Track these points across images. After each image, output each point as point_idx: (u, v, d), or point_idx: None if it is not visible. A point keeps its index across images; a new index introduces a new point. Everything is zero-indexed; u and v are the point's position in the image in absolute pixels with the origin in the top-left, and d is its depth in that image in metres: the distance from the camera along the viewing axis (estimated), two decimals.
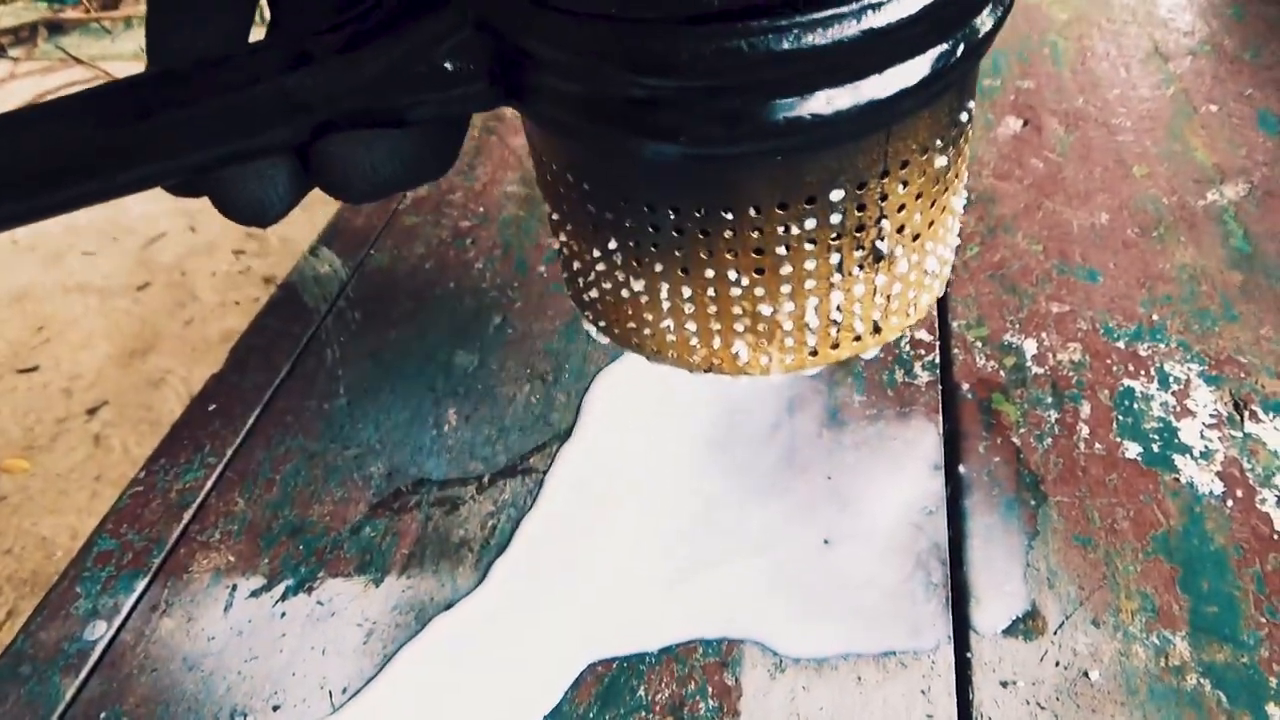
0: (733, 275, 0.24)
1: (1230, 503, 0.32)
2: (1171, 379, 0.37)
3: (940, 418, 0.36)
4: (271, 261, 1.51)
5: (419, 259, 0.46)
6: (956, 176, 0.26)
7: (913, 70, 0.21)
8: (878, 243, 0.24)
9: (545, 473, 0.35)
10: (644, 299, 0.26)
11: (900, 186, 0.23)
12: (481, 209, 0.50)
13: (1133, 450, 0.34)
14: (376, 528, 0.34)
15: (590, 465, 0.35)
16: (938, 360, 0.38)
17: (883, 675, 0.28)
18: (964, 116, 0.24)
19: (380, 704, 0.28)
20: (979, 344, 0.39)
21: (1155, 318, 0.39)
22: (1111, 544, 0.31)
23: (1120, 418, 0.35)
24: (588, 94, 0.21)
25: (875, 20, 0.19)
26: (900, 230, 0.24)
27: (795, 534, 0.32)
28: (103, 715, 0.29)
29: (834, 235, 0.23)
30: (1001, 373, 0.37)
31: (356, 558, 0.33)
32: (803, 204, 0.23)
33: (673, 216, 0.23)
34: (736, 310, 0.25)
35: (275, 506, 0.35)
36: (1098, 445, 0.34)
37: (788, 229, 0.23)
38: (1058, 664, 0.28)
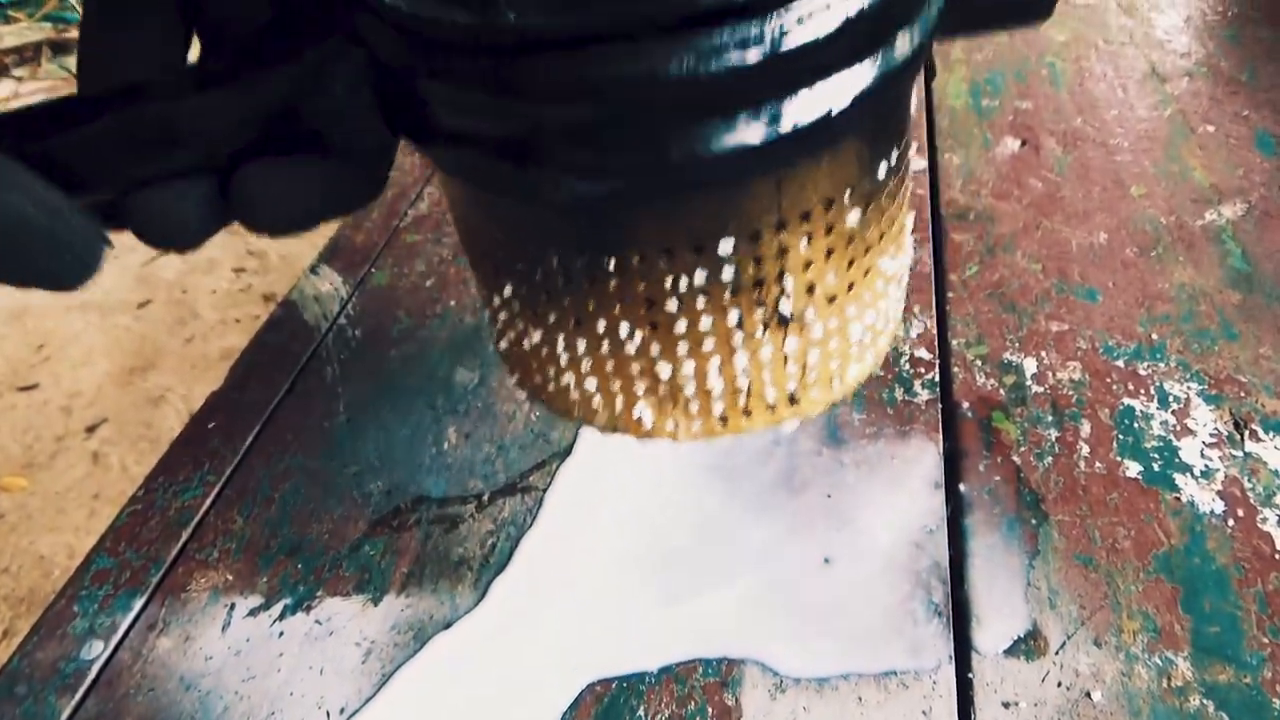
0: (624, 329, 0.23)
1: (1231, 522, 0.32)
2: (1171, 398, 0.37)
3: (940, 436, 0.36)
4: (272, 279, 1.52)
5: (420, 277, 0.47)
6: (882, 236, 0.24)
7: (793, 113, 0.19)
8: (781, 301, 0.22)
9: (545, 491, 0.35)
10: (543, 351, 0.25)
11: (804, 242, 0.22)
12: None
13: (1133, 469, 0.34)
14: (376, 546, 0.34)
15: (590, 484, 0.35)
16: (937, 379, 0.38)
17: (884, 695, 0.28)
18: (881, 170, 0.23)
19: None
20: (979, 362, 0.39)
21: (1155, 337, 0.39)
22: (1113, 563, 0.31)
23: (1120, 436, 0.35)
24: (458, 128, 0.20)
25: (745, 55, 0.18)
26: (810, 291, 0.23)
27: (795, 553, 0.32)
28: None
29: (729, 291, 0.22)
30: (1001, 391, 0.37)
31: (355, 576, 0.33)
32: (689, 253, 0.21)
33: (555, 262, 0.22)
34: (634, 369, 0.24)
35: (274, 525, 0.35)
36: (1098, 464, 0.34)
37: (676, 281, 0.22)
38: (1060, 684, 0.28)
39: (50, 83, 2.22)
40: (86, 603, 0.32)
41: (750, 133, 0.19)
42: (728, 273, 0.22)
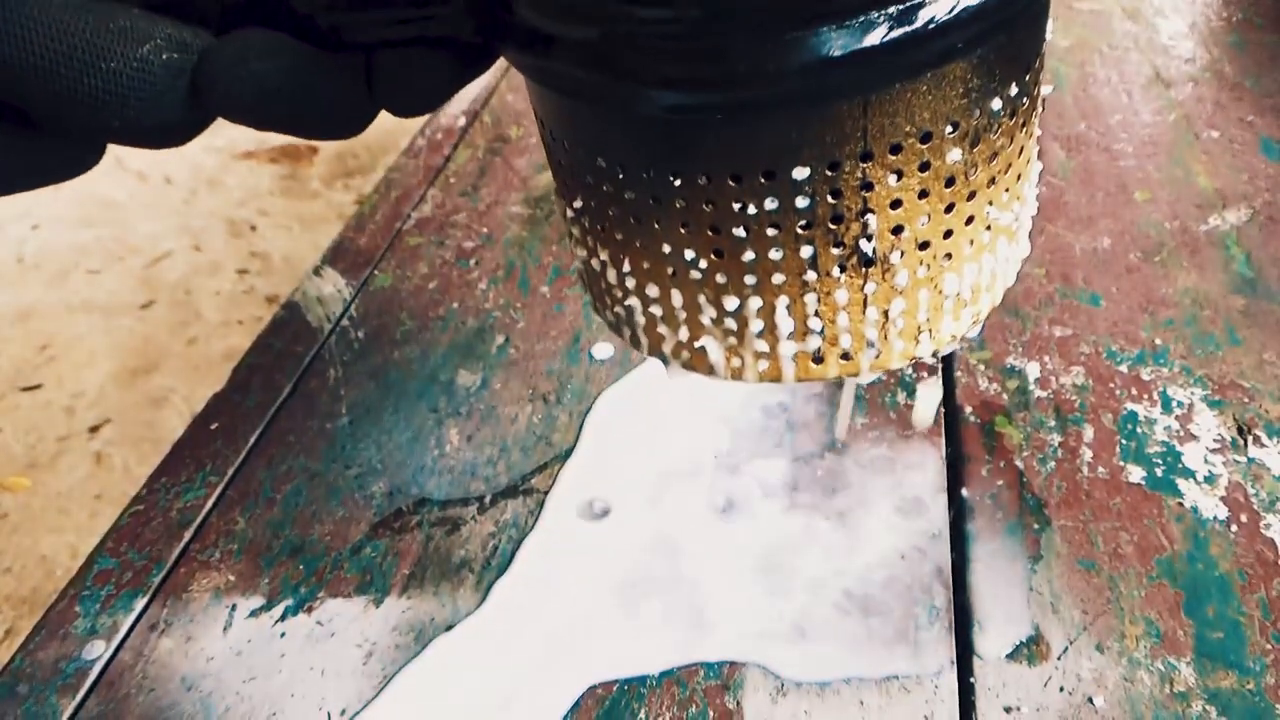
0: (689, 254, 0.21)
1: (1235, 528, 0.32)
2: (1174, 403, 0.37)
3: (943, 441, 0.36)
4: (275, 281, 1.52)
5: (422, 279, 0.47)
6: (993, 181, 0.21)
7: (883, 22, 0.17)
8: (861, 241, 0.20)
9: (547, 493, 0.35)
10: (610, 272, 0.23)
11: (893, 177, 0.20)
12: (485, 229, 0.50)
13: (1136, 474, 0.34)
14: (377, 548, 0.34)
15: (592, 486, 0.35)
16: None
17: (885, 699, 0.28)
18: (996, 104, 0.20)
19: None
20: (981, 367, 0.39)
21: (1158, 342, 0.39)
22: (1115, 568, 0.31)
23: (1123, 441, 0.35)
24: (544, 30, 0.19)
25: None
26: (897, 232, 0.21)
27: (797, 556, 0.32)
28: None
29: (803, 223, 0.20)
30: (1004, 396, 0.37)
31: (357, 578, 0.33)
32: (759, 179, 0.20)
33: (620, 176, 0.21)
34: (701, 298, 0.22)
35: (276, 526, 0.35)
36: (1101, 469, 0.34)
37: (744, 206, 0.20)
38: (1062, 689, 0.28)
39: None
40: (88, 603, 0.32)
41: (832, 43, 0.17)
42: (801, 201, 0.20)
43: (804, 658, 0.29)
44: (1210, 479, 0.34)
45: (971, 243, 0.22)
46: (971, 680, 0.28)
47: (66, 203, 1.78)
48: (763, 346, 0.22)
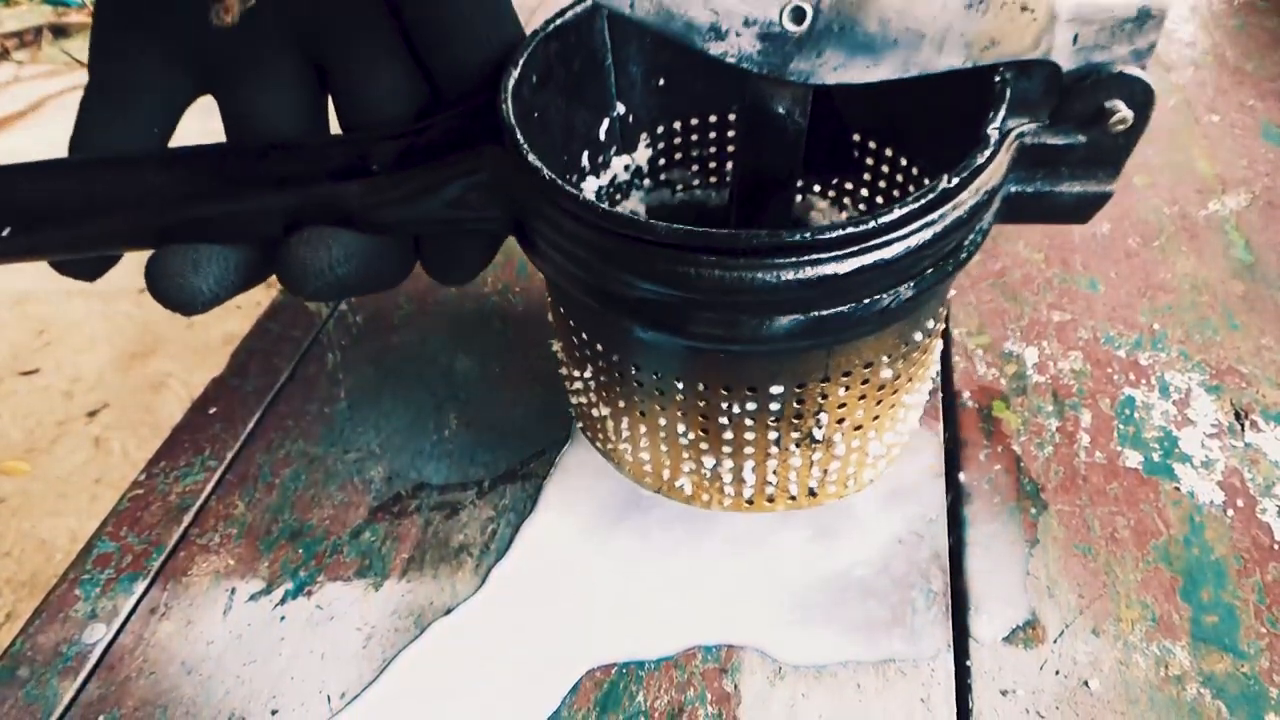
0: (680, 429, 0.27)
1: (1231, 512, 0.32)
2: (1172, 388, 0.37)
3: (941, 425, 0.36)
4: None
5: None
6: (910, 380, 0.28)
7: (853, 310, 0.23)
8: (814, 430, 0.27)
9: (545, 478, 0.35)
10: (609, 423, 0.29)
11: (842, 390, 0.26)
12: None
13: (1133, 459, 0.34)
14: (376, 532, 0.34)
15: (589, 471, 0.35)
16: (938, 367, 0.38)
17: (882, 683, 0.28)
18: (918, 336, 0.26)
19: (379, 709, 0.28)
20: (980, 352, 0.39)
21: (1156, 327, 0.39)
22: (1112, 553, 0.31)
23: (1121, 426, 0.35)
24: (580, 276, 0.24)
25: (816, 270, 0.22)
26: (840, 422, 0.27)
27: (795, 540, 0.32)
28: (101, 718, 0.29)
29: (773, 419, 0.26)
30: (1002, 381, 0.37)
31: (356, 562, 0.33)
32: (745, 390, 0.25)
33: (634, 371, 0.27)
34: (684, 455, 0.28)
35: (275, 510, 0.35)
36: (1098, 454, 0.34)
37: (730, 405, 0.26)
38: (1057, 673, 0.28)
39: (50, 66, 2.22)
40: (88, 587, 0.32)
41: (815, 324, 0.23)
42: (774, 406, 0.26)
43: (801, 641, 0.29)
44: (1207, 464, 0.34)
45: (890, 419, 0.28)
46: (968, 663, 0.28)
47: None
48: (730, 491, 0.29)
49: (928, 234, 0.22)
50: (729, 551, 0.32)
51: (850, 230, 0.21)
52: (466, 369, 0.40)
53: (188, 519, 0.35)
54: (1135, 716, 0.27)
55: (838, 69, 0.22)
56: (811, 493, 0.29)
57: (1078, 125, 0.25)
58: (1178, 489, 0.33)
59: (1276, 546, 0.31)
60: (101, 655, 0.30)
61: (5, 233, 0.26)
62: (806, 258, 0.21)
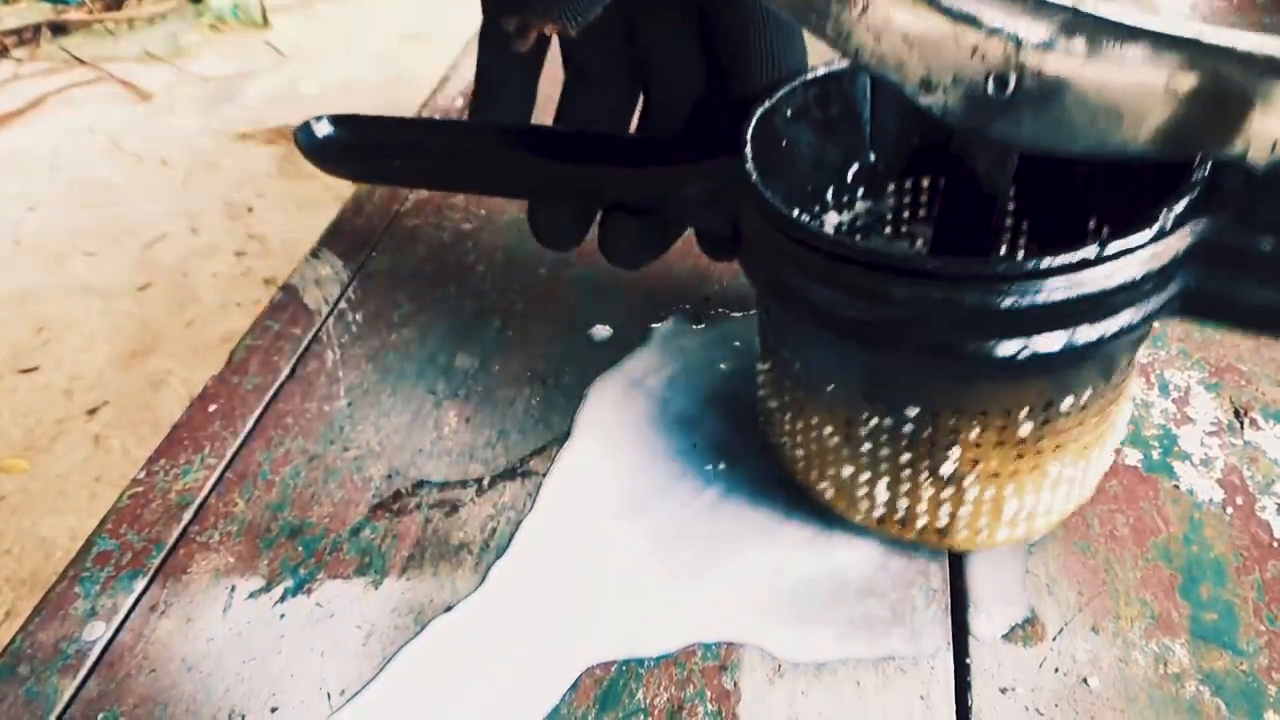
0: (827, 430, 0.29)
1: (1230, 510, 0.32)
2: (1172, 386, 0.37)
3: None
4: (273, 263, 1.52)
5: (420, 261, 0.46)
6: (1058, 448, 0.27)
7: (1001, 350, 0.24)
8: (944, 464, 0.27)
9: (545, 476, 0.35)
10: (775, 415, 0.32)
11: (975, 430, 0.27)
12: (483, 211, 0.50)
13: (1133, 457, 0.34)
14: (376, 530, 0.34)
15: (590, 468, 0.35)
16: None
17: (882, 680, 0.28)
18: (1065, 404, 0.26)
19: (379, 706, 0.28)
20: None
21: (1155, 325, 0.39)
22: (1111, 550, 0.31)
23: None
24: (795, 295, 0.27)
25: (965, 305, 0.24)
26: (973, 464, 0.27)
27: (794, 537, 0.32)
28: (101, 716, 0.29)
29: (905, 439, 0.27)
30: None
31: (356, 560, 0.33)
32: (883, 403, 0.27)
33: (798, 366, 0.30)
34: (827, 458, 0.30)
35: (275, 508, 0.35)
36: None
37: (869, 416, 0.28)
38: (1057, 670, 0.28)
39: (50, 64, 2.21)
40: (88, 584, 0.32)
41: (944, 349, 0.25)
42: (907, 427, 0.27)
43: (801, 639, 0.29)
44: (1207, 462, 0.34)
45: (1032, 482, 0.28)
46: (967, 661, 0.28)
47: (63, 185, 1.77)
48: (863, 506, 0.30)
49: (1074, 293, 0.23)
50: (729, 549, 0.32)
51: (1049, 264, 0.23)
52: (466, 366, 0.40)
53: (187, 516, 0.35)
54: (1134, 714, 0.27)
55: (1036, 137, 0.23)
56: (941, 533, 0.29)
57: (1267, 228, 0.24)
58: (1177, 487, 0.33)
59: (1276, 544, 0.31)
60: (101, 653, 0.30)
61: (397, 164, 0.39)
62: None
